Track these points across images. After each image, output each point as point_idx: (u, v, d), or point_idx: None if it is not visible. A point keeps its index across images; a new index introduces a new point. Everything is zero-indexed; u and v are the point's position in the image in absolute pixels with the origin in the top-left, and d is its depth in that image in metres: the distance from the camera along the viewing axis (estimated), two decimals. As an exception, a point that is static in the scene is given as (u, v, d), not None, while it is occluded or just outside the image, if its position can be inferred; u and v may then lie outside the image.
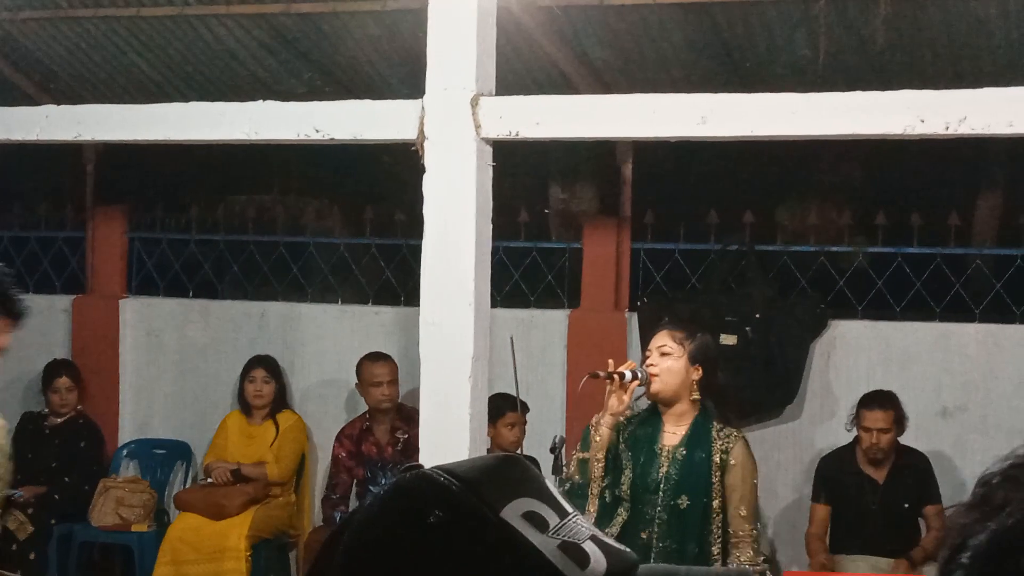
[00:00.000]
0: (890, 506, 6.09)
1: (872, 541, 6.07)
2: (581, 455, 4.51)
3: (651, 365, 4.52)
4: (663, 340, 4.55)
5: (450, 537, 0.96)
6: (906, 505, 6.11)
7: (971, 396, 6.51)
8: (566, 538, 0.97)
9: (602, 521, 4.48)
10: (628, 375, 4.48)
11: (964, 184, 7.66)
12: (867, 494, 6.12)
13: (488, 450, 4.97)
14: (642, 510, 4.46)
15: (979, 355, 6.52)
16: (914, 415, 6.24)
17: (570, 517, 1.00)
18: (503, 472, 1.02)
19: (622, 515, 4.50)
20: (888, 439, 6.05)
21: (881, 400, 6.09)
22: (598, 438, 4.50)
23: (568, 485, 4.46)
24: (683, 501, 4.44)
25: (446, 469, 1.00)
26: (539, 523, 0.97)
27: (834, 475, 6.24)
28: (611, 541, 1.02)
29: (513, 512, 0.97)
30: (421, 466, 1.03)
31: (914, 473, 6.14)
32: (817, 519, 6.26)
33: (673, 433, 4.53)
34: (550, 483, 1.05)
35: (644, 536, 4.43)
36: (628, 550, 1.03)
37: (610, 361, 4.55)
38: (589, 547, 0.98)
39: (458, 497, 0.97)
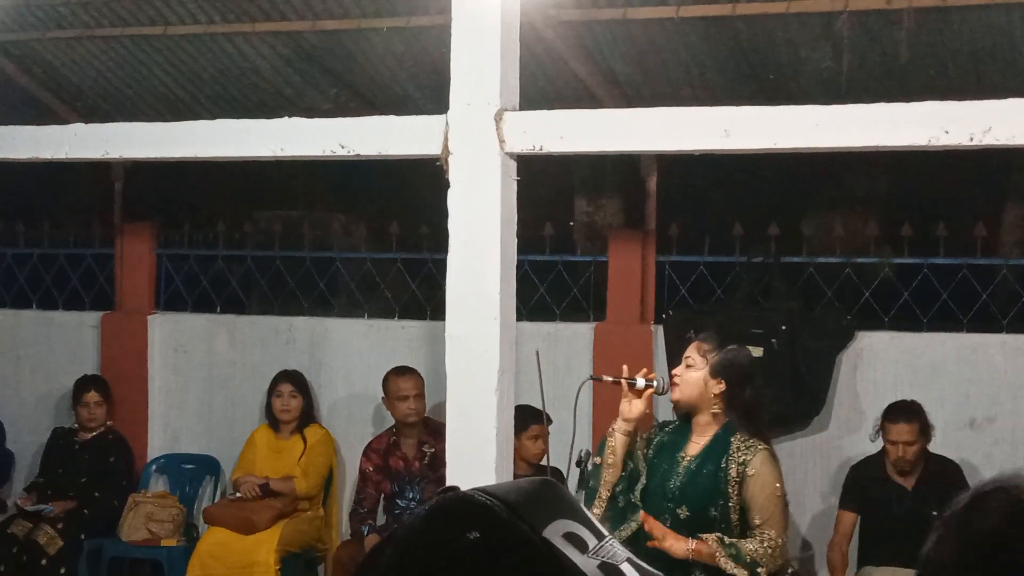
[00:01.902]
0: (919, 515, 6.04)
1: (901, 551, 6.03)
2: (595, 459, 4.57)
3: (675, 375, 4.58)
4: (690, 351, 4.61)
5: (493, 556, 0.96)
6: (935, 513, 6.06)
7: (999, 407, 6.49)
8: (605, 559, 0.98)
9: (614, 526, 4.51)
10: (641, 382, 4.51)
11: (989, 194, 7.64)
12: (896, 503, 6.09)
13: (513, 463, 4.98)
14: (656, 518, 4.48)
15: (1006, 366, 6.49)
16: (942, 427, 6.21)
17: (607, 539, 1.01)
18: (541, 494, 1.03)
19: (636, 521, 4.51)
20: (915, 451, 6.03)
21: (906, 412, 6.06)
22: (612, 443, 4.56)
23: (584, 489, 4.51)
24: (683, 511, 4.47)
25: (485, 490, 1.01)
26: (579, 544, 0.98)
27: (863, 483, 6.22)
28: (645, 564, 1.03)
29: (554, 532, 0.98)
30: (457, 488, 1.04)
31: (945, 482, 6.08)
32: (843, 527, 6.25)
33: (697, 443, 4.58)
34: (583, 507, 1.06)
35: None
36: (661, 574, 1.04)
37: (624, 367, 4.59)
38: (627, 568, 0.99)
39: (500, 517, 0.98)
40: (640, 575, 1.00)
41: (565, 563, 0.96)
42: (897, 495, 6.09)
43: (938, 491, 6.07)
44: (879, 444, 6.16)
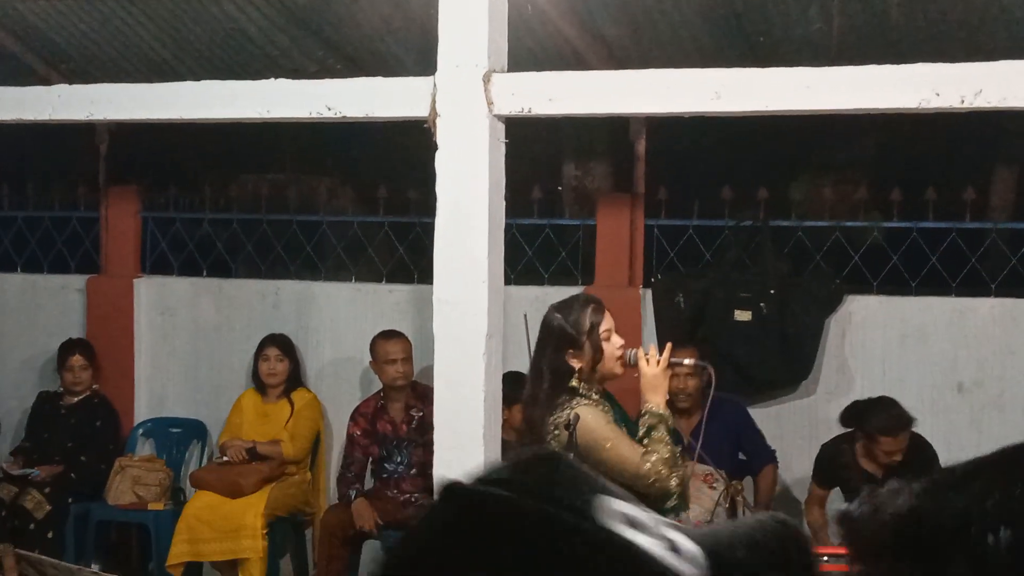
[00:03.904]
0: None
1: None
2: (684, 462, 4.18)
3: (623, 346, 4.32)
4: (605, 322, 4.30)
5: (546, 554, 0.81)
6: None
7: (987, 372, 6.49)
8: (659, 533, 0.84)
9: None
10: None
11: (980, 158, 7.62)
12: (866, 486, 6.03)
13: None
14: None
15: (995, 330, 6.49)
16: (930, 391, 6.20)
17: (643, 506, 0.88)
18: (559, 471, 0.88)
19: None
20: (900, 456, 5.93)
21: (904, 426, 5.84)
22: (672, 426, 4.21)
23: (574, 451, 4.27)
24: None
25: (515, 483, 0.84)
26: (635, 523, 0.83)
27: (832, 467, 6.15)
28: (678, 525, 0.90)
29: (606, 514, 0.82)
30: (458, 483, 0.86)
31: (917, 467, 6.00)
32: (813, 497, 6.24)
33: (623, 407, 4.41)
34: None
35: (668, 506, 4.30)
36: (692, 528, 0.91)
37: (668, 345, 4.35)
38: (678, 538, 0.85)
39: (540, 513, 0.82)
40: (686, 537, 0.86)
41: (636, 551, 0.81)
42: (867, 480, 6.01)
43: (909, 477, 5.99)
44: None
